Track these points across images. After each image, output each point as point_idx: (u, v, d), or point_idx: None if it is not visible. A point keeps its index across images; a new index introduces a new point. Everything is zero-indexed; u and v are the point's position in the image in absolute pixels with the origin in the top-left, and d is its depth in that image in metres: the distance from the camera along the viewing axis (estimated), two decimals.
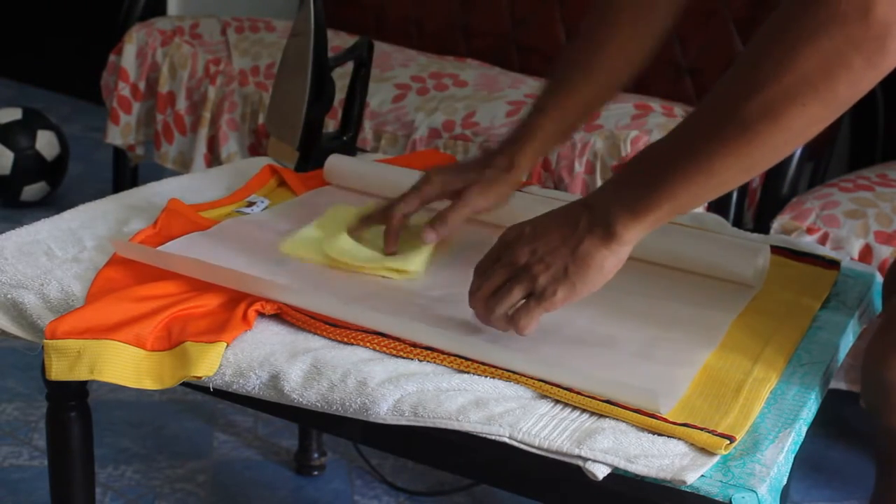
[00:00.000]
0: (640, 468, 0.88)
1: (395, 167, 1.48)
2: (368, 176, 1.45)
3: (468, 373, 1.00)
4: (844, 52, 0.84)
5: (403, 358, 1.02)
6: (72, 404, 1.24)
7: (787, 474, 0.92)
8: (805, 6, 0.86)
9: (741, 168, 0.91)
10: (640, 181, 0.95)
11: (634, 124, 2.11)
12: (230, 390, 1.02)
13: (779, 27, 0.88)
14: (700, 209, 1.98)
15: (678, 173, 0.92)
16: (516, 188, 1.27)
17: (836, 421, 2.14)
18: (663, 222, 0.97)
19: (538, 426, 0.92)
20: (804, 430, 0.99)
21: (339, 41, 2.61)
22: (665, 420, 0.93)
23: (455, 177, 1.22)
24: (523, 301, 1.02)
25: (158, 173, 2.60)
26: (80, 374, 1.03)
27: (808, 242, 1.54)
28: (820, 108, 0.87)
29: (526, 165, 1.23)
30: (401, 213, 1.22)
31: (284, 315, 1.08)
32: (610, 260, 0.98)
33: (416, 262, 1.20)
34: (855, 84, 0.86)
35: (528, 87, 2.37)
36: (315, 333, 1.06)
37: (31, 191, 2.99)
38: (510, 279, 1.02)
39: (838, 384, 1.86)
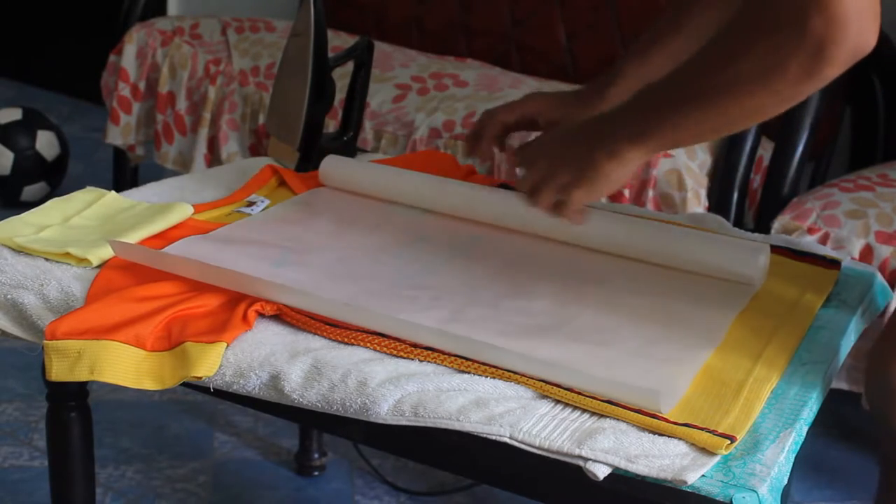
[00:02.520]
0: (640, 468, 0.88)
1: (390, 168, 1.47)
2: (364, 178, 1.45)
3: (468, 373, 0.99)
4: (779, 58, 0.94)
5: (404, 358, 1.02)
6: (72, 405, 1.24)
7: (788, 474, 0.92)
8: (751, 12, 0.97)
9: (709, 127, 1.05)
10: (638, 116, 1.10)
11: None
12: (230, 390, 1.02)
13: (732, 24, 1.00)
14: (701, 209, 1.99)
15: (662, 118, 1.07)
16: None
17: (837, 421, 2.13)
18: (660, 151, 1.12)
19: (538, 426, 0.92)
20: (805, 430, 0.99)
21: (339, 41, 2.61)
22: (666, 420, 0.93)
23: (554, 106, 1.38)
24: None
25: (158, 173, 2.61)
26: (81, 375, 1.03)
27: (808, 242, 1.54)
28: (766, 97, 0.98)
29: (616, 100, 1.34)
30: (501, 121, 1.37)
31: (284, 316, 1.08)
32: (617, 171, 1.11)
33: (95, 254, 1.17)
34: (794, 86, 0.96)
35: (528, 86, 2.37)
36: (315, 334, 1.06)
37: (31, 191, 2.99)
38: (548, 175, 1.15)
39: (839, 384, 1.86)
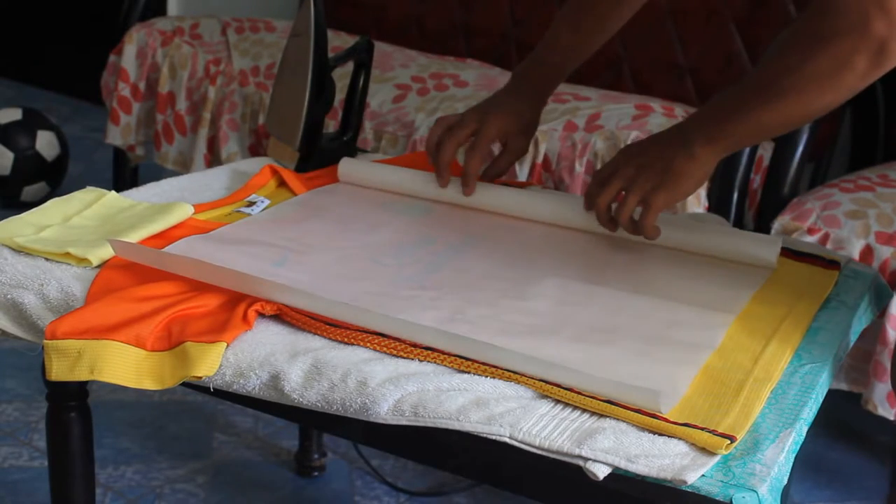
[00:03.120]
0: (640, 468, 0.88)
1: (410, 171, 1.49)
2: (384, 180, 1.48)
3: (468, 373, 0.99)
4: (848, 56, 1.05)
5: (404, 358, 1.02)
6: (72, 405, 1.24)
7: (788, 474, 0.92)
8: (819, 18, 1.07)
9: (780, 123, 1.17)
10: (712, 119, 1.22)
11: (635, 124, 2.11)
12: (230, 390, 1.02)
13: (800, 30, 1.11)
14: (701, 209, 1.99)
15: (736, 120, 1.18)
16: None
17: (836, 422, 2.13)
18: (731, 150, 1.24)
19: (538, 426, 0.92)
20: (805, 430, 0.99)
21: (339, 41, 2.61)
22: (666, 420, 0.93)
23: (511, 122, 1.47)
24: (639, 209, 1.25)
25: (158, 173, 2.60)
26: (81, 375, 1.03)
27: (808, 242, 1.54)
28: (833, 93, 1.10)
29: (561, 78, 1.55)
30: (459, 142, 1.44)
31: (284, 315, 1.08)
32: (695, 171, 1.22)
33: (95, 254, 1.17)
34: (861, 78, 1.07)
35: None
36: (315, 333, 1.06)
37: (31, 191, 2.99)
38: (624, 189, 1.25)
39: (839, 385, 1.86)
